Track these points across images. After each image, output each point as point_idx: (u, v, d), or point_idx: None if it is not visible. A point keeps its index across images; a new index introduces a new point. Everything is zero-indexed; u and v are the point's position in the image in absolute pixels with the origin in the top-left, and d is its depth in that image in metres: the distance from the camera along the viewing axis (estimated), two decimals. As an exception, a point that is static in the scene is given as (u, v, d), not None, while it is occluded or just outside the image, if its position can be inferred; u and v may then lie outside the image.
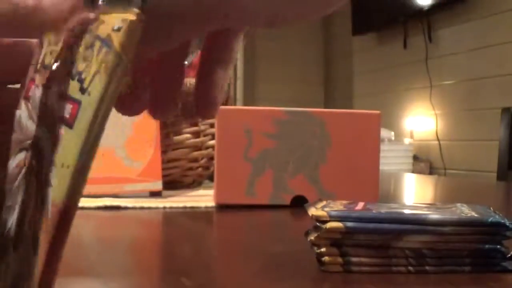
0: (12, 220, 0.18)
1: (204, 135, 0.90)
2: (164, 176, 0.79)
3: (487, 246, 0.38)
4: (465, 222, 0.38)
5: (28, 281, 0.17)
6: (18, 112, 0.20)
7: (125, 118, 0.78)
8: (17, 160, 0.18)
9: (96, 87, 0.17)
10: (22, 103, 0.20)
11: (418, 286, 0.36)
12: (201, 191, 0.87)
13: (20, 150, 0.19)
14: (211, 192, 0.78)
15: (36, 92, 0.19)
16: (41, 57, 0.20)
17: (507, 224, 0.37)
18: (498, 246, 0.38)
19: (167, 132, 0.86)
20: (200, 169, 0.90)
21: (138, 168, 0.76)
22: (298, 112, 0.71)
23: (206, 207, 0.70)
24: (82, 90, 0.17)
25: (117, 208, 0.67)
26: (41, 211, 0.17)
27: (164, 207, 0.69)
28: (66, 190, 0.17)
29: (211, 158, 0.89)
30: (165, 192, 0.79)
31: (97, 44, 0.18)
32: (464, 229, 0.38)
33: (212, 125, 0.90)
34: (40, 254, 0.17)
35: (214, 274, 0.40)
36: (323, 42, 3.97)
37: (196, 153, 0.88)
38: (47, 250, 0.17)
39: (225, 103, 0.93)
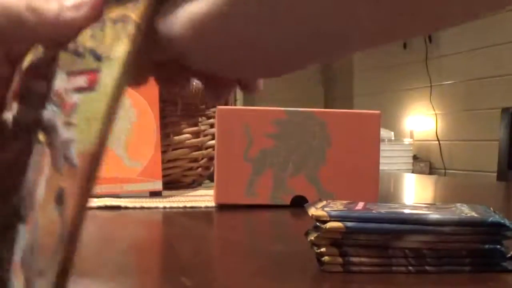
0: (21, 195, 0.20)
1: (204, 135, 0.90)
2: (164, 176, 0.79)
3: (487, 246, 0.38)
4: (465, 222, 0.38)
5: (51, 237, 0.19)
6: (8, 115, 0.23)
7: (126, 119, 0.78)
8: (16, 146, 0.22)
9: (117, 51, 0.20)
10: (14, 104, 0.23)
11: (418, 286, 0.36)
12: (201, 191, 0.87)
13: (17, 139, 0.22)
14: (211, 192, 0.78)
15: (38, 86, 0.22)
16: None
17: (507, 224, 0.37)
18: (498, 246, 0.38)
19: (167, 132, 0.86)
20: (200, 169, 0.90)
21: (138, 168, 0.77)
22: (298, 112, 0.71)
23: (206, 207, 0.70)
24: (99, 58, 0.20)
25: (117, 208, 0.67)
26: (59, 168, 0.19)
27: (164, 207, 0.69)
28: (97, 136, 0.19)
29: (211, 158, 0.89)
30: (165, 192, 0.79)
31: (109, 24, 0.21)
32: (464, 229, 0.38)
33: (212, 125, 0.90)
34: (68, 207, 0.19)
35: (214, 274, 0.40)
36: (323, 42, 3.97)
37: (196, 153, 0.88)
38: (77, 197, 0.19)
39: (225, 103, 0.93)
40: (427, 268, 0.38)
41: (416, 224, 0.38)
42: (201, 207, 0.70)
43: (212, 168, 0.91)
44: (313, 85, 3.95)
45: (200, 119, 0.90)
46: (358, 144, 0.72)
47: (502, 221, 0.38)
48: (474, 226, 0.38)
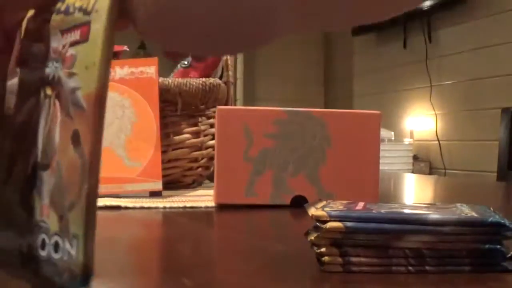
0: (38, 147, 0.22)
1: (204, 135, 0.90)
2: (164, 176, 0.79)
3: (487, 246, 0.38)
4: (465, 222, 0.38)
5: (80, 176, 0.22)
6: (13, 82, 0.24)
7: (126, 119, 0.78)
8: (27, 107, 0.23)
9: (101, 4, 0.22)
10: (18, 70, 0.25)
11: (418, 286, 0.36)
12: (201, 191, 0.87)
13: (28, 98, 0.24)
14: (211, 192, 0.78)
15: (37, 48, 0.24)
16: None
17: (507, 224, 0.37)
18: (498, 246, 0.38)
19: (167, 132, 0.86)
20: (200, 169, 0.90)
21: (138, 168, 0.77)
22: (298, 112, 0.71)
23: (206, 207, 0.70)
24: (87, 13, 0.22)
25: (117, 208, 0.68)
26: (69, 114, 0.22)
27: (164, 207, 0.69)
28: (97, 78, 0.22)
29: (211, 158, 0.89)
30: (165, 192, 0.79)
31: None
32: (464, 229, 0.38)
33: (212, 125, 0.90)
34: (84, 145, 0.21)
35: (214, 274, 0.40)
36: (323, 42, 3.97)
37: (196, 153, 0.89)
38: (92, 134, 0.21)
39: (225, 103, 0.93)
40: (427, 268, 0.38)
41: (416, 224, 0.38)
42: (201, 207, 0.70)
43: (212, 168, 0.91)
44: (313, 85, 3.95)
45: (200, 119, 0.90)
46: (358, 144, 0.72)
47: (502, 221, 0.38)
48: (474, 226, 0.38)
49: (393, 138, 2.93)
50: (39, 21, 0.25)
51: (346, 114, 0.72)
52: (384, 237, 0.38)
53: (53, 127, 0.22)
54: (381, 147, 0.73)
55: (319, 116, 0.71)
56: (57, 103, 0.23)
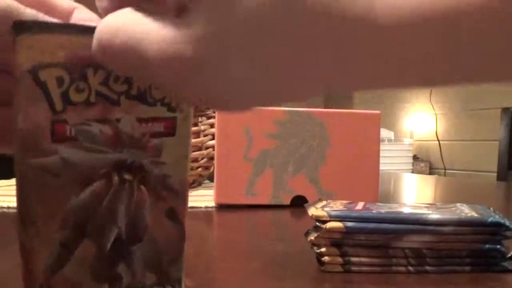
0: (119, 225, 0.23)
1: (204, 135, 0.90)
2: (164, 176, 0.79)
3: (487, 246, 0.38)
4: (465, 222, 0.38)
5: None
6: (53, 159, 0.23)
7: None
8: (92, 189, 0.23)
9: (186, 104, 0.25)
10: (56, 147, 0.23)
11: (418, 286, 0.36)
12: (201, 191, 0.87)
13: (91, 182, 0.23)
14: (211, 192, 0.78)
15: (94, 129, 0.23)
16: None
17: (507, 224, 0.38)
18: (498, 246, 0.38)
19: (167, 132, 0.86)
20: (200, 169, 0.90)
21: (138, 168, 0.77)
22: (298, 112, 0.71)
23: (206, 207, 0.70)
24: (171, 110, 0.24)
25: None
26: (161, 196, 0.24)
27: (164, 207, 0.69)
28: (187, 168, 0.26)
29: (211, 158, 0.89)
30: (165, 192, 0.79)
31: None
32: (464, 229, 0.38)
33: (212, 125, 0.90)
34: (180, 217, 0.25)
35: (214, 274, 0.40)
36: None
37: (196, 153, 0.89)
38: (186, 209, 0.25)
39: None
40: (427, 268, 0.38)
41: (416, 224, 0.38)
42: (201, 207, 0.70)
43: (212, 168, 0.91)
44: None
45: (200, 119, 0.90)
46: (358, 144, 0.72)
47: (502, 221, 0.38)
48: (474, 226, 0.38)
49: (393, 138, 2.93)
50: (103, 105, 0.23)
51: (346, 114, 0.72)
52: (384, 237, 0.38)
53: (141, 208, 0.24)
54: (381, 147, 0.73)
55: (319, 116, 0.71)
56: (143, 188, 0.24)
